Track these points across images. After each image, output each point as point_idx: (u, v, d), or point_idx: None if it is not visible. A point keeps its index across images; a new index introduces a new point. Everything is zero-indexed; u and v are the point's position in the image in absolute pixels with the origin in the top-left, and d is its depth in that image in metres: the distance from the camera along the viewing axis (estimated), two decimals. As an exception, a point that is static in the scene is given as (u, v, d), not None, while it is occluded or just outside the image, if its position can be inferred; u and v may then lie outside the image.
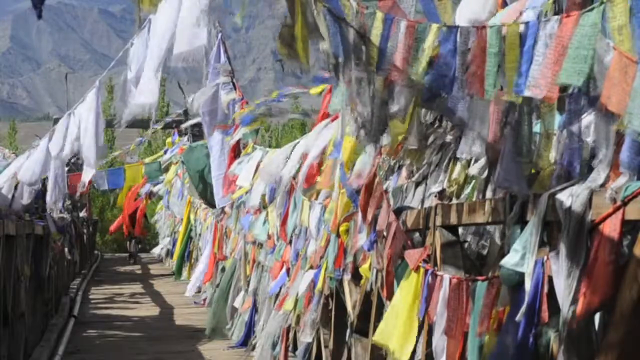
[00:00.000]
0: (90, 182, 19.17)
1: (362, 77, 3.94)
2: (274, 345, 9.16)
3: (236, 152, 11.40)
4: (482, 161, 4.85)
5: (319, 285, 7.76)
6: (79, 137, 8.58)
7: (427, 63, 3.76)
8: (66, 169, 11.69)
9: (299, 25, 3.65)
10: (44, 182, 10.41)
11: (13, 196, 9.93)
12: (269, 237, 10.15)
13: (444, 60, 3.76)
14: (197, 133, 20.23)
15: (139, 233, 26.38)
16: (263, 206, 10.50)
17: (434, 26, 3.78)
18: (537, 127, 3.88)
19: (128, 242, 29.06)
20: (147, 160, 24.32)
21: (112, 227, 27.54)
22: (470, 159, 5.25)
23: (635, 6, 3.08)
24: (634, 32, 3.09)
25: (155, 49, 6.68)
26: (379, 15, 3.95)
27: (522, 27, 3.52)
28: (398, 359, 5.11)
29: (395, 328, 5.12)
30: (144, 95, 6.94)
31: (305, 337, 8.23)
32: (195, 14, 5.67)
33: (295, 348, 9.12)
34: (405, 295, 5.07)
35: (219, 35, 11.11)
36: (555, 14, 4.34)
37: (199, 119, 12.80)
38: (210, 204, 13.99)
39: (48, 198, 9.67)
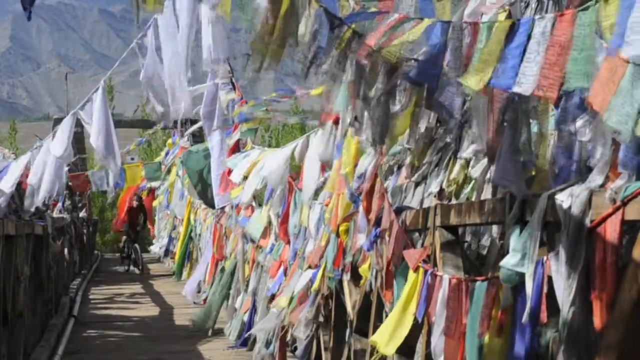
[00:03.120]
0: (88, 182, 19.21)
1: (360, 76, 3.93)
2: (267, 344, 9.14)
3: (235, 151, 11.44)
4: (484, 162, 4.83)
5: (316, 284, 7.76)
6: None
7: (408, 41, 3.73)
8: (66, 169, 11.68)
9: (278, 25, 3.65)
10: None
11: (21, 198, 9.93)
12: (264, 236, 10.18)
13: (432, 54, 3.73)
14: (197, 133, 20.26)
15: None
16: (259, 203, 10.52)
17: (426, 20, 3.76)
18: (535, 127, 3.87)
19: (125, 243, 25.48)
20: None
21: (118, 225, 26.28)
22: (470, 159, 5.24)
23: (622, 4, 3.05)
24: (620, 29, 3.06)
25: (175, 55, 6.84)
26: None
27: (514, 24, 3.50)
28: (383, 352, 5.10)
29: (386, 323, 5.11)
30: (178, 101, 7.17)
31: (299, 334, 8.21)
32: (228, 25, 5.84)
33: (295, 348, 9.11)
34: (403, 295, 5.06)
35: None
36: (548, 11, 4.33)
37: (201, 124, 12.80)
38: (209, 204, 13.99)
39: (41, 194, 9.62)
